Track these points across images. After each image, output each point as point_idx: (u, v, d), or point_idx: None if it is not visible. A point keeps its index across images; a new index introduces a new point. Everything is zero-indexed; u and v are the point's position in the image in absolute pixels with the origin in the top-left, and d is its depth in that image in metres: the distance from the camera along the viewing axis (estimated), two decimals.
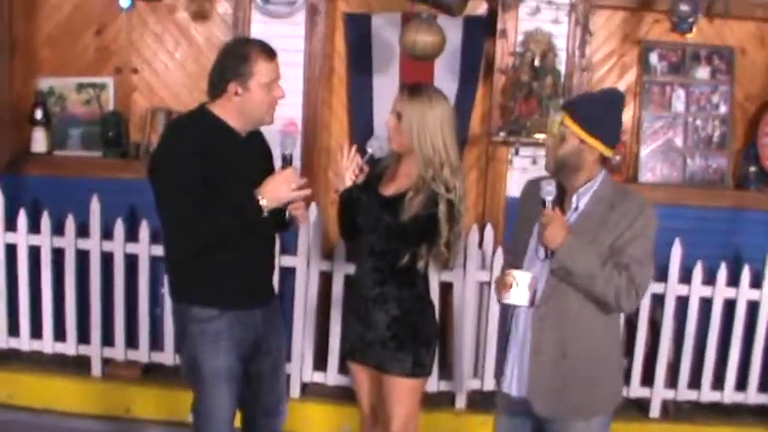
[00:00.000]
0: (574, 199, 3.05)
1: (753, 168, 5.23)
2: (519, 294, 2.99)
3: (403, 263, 3.44)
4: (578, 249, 2.92)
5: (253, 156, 3.28)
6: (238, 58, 3.14)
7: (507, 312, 3.29)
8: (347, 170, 3.41)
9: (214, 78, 3.19)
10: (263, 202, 3.08)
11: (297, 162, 3.27)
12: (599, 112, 3.01)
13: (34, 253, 5.03)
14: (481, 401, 4.90)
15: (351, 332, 3.66)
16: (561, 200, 3.05)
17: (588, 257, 2.91)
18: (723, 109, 5.29)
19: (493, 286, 4.53)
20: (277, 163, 3.41)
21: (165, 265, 3.42)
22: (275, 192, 3.12)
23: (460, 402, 4.90)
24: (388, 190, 3.51)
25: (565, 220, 2.99)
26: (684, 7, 4.66)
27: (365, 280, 3.54)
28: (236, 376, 3.28)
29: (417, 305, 3.55)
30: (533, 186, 3.20)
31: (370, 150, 3.46)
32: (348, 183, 3.41)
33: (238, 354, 3.26)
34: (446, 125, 3.44)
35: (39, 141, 5.34)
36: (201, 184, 3.06)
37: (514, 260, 3.20)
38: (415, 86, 3.53)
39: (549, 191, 2.96)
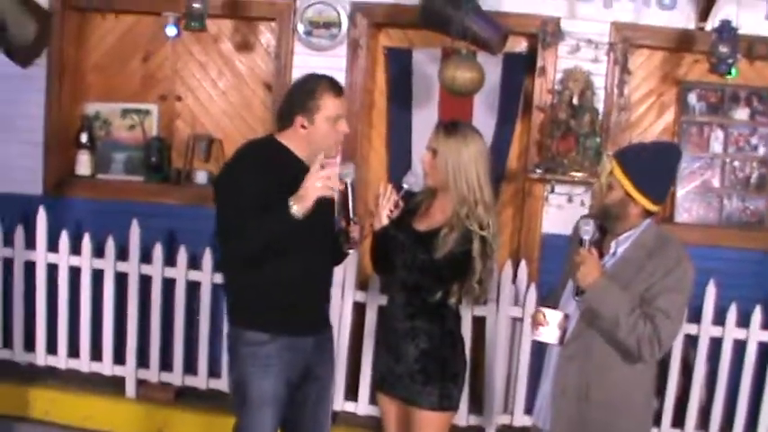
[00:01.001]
0: (613, 245, 3.08)
1: None
2: (549, 332, 3.06)
3: (435, 299, 3.48)
4: (608, 292, 2.93)
5: None
6: (306, 93, 3.26)
7: (541, 348, 3.34)
8: (384, 209, 3.44)
9: (283, 111, 3.33)
10: (293, 209, 3.07)
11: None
12: (649, 167, 3.01)
13: (75, 274, 5.14)
14: None
15: (380, 364, 3.71)
16: (601, 241, 3.08)
17: (617, 302, 2.92)
18: (762, 150, 5.26)
19: (526, 322, 4.61)
20: None
21: (224, 289, 3.50)
22: (302, 193, 3.08)
23: None
24: (422, 225, 3.56)
25: (599, 262, 3.01)
26: (723, 48, 4.65)
27: (396, 313, 3.58)
28: (282, 401, 3.32)
29: (447, 340, 3.57)
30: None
31: (406, 186, 3.51)
32: (384, 221, 3.44)
33: (286, 379, 3.31)
34: (480, 163, 3.49)
35: (83, 164, 5.47)
36: (262, 202, 3.12)
37: (557, 298, 3.26)
38: (451, 124, 3.59)
39: (586, 230, 2.99)
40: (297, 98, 3.28)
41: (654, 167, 3.03)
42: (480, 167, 3.48)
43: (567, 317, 3.08)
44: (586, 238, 2.99)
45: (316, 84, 3.29)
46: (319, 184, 3.06)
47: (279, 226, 3.11)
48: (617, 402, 3.07)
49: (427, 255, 3.43)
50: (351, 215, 3.29)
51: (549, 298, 3.52)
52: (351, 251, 3.49)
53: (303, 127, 3.25)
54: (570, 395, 3.07)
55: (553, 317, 3.07)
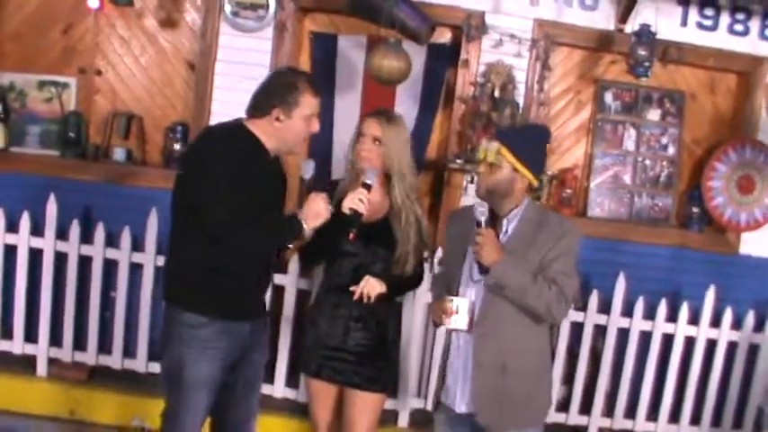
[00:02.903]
0: (504, 223, 3.25)
1: (696, 209, 5.43)
2: (459, 320, 3.18)
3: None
4: (511, 265, 3.10)
5: (276, 176, 3.42)
6: (287, 86, 3.25)
7: (445, 338, 3.45)
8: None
9: (259, 99, 3.29)
10: (305, 225, 3.18)
11: None
12: (531, 145, 3.24)
13: None
14: (423, 421, 4.97)
15: (315, 349, 3.74)
16: (493, 224, 3.21)
17: (520, 273, 3.10)
18: (671, 150, 5.49)
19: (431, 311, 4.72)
20: None
21: (165, 266, 3.46)
22: (313, 215, 3.20)
23: (403, 421, 5.00)
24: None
25: (497, 240, 3.16)
26: (642, 51, 4.83)
27: (340, 299, 3.68)
28: (215, 385, 3.32)
29: (391, 323, 3.81)
30: (457, 215, 3.55)
31: (369, 181, 3.45)
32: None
33: (222, 363, 3.31)
34: (410, 150, 3.71)
35: None
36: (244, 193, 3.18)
37: (448, 285, 3.37)
38: (386, 111, 3.72)
39: (482, 212, 3.13)
40: (276, 90, 3.28)
41: (534, 145, 3.28)
42: (410, 155, 3.70)
43: (472, 302, 3.21)
44: (482, 218, 3.13)
45: (297, 79, 3.30)
46: (323, 209, 3.20)
47: (287, 237, 3.24)
48: (533, 370, 3.27)
49: (384, 247, 3.62)
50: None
51: (436, 284, 3.66)
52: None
53: (278, 120, 3.25)
54: (488, 369, 3.20)
55: (462, 304, 3.19)
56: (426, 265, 3.93)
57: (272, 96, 3.26)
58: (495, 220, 3.22)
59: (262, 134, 3.28)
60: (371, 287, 3.55)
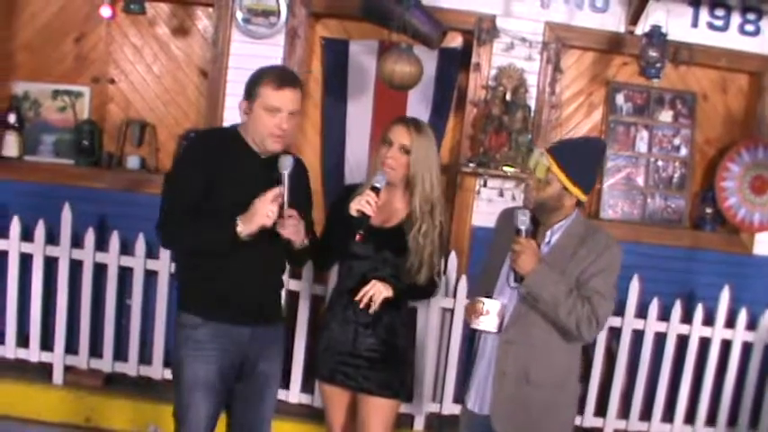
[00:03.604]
0: (548, 234, 3.22)
1: (709, 210, 5.43)
2: (489, 321, 3.19)
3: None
4: (547, 277, 3.07)
5: (263, 180, 3.19)
6: (252, 79, 3.27)
7: (474, 335, 3.46)
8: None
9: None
10: (239, 228, 3.12)
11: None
12: (582, 162, 3.17)
13: (1, 258, 5.04)
14: (438, 425, 4.99)
15: (328, 354, 3.73)
16: (535, 231, 3.20)
17: (556, 286, 3.06)
18: (684, 151, 5.49)
19: (458, 312, 4.71)
20: None
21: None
22: (250, 216, 3.13)
23: (419, 424, 5.00)
24: (378, 220, 3.61)
25: (537, 250, 3.13)
26: (653, 53, 4.84)
27: (354, 304, 3.64)
28: (215, 389, 3.31)
29: (403, 330, 3.77)
30: (508, 216, 3.38)
31: (378, 185, 3.46)
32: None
33: (220, 367, 3.30)
34: (439, 161, 3.71)
35: (11, 146, 5.34)
36: (200, 192, 3.17)
37: (487, 286, 3.34)
38: (415, 121, 3.68)
39: (523, 220, 3.12)
40: (247, 84, 3.30)
41: (586, 162, 3.20)
42: (439, 168, 3.69)
43: (504, 306, 3.20)
44: (523, 228, 3.12)
45: (262, 72, 3.29)
46: (266, 211, 3.10)
47: (220, 238, 3.16)
48: (555, 382, 3.23)
49: (394, 252, 3.59)
50: (283, 207, 3.18)
51: (476, 287, 3.62)
52: (301, 244, 3.33)
53: (246, 113, 3.28)
54: (511, 377, 3.19)
55: (493, 306, 3.19)
56: (440, 277, 3.88)
57: (244, 94, 3.30)
58: (536, 227, 3.20)
59: (246, 135, 3.30)
60: (377, 291, 3.53)
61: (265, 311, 3.46)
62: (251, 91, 3.25)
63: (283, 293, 3.71)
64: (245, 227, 3.12)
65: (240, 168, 3.26)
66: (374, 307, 3.54)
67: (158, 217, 3.27)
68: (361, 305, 3.55)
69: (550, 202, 3.17)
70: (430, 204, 3.61)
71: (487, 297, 3.24)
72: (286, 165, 3.18)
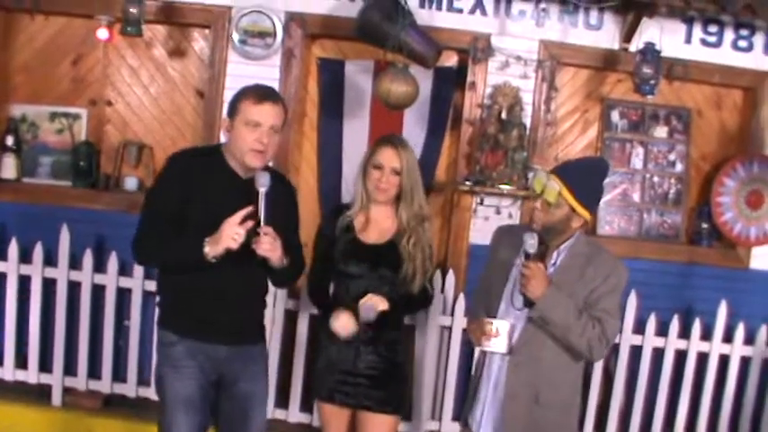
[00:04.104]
0: (554, 255, 3.23)
1: (705, 225, 5.44)
2: (499, 343, 3.18)
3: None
4: (558, 301, 3.09)
5: (243, 201, 3.18)
6: (234, 97, 3.32)
7: (478, 356, 3.49)
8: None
9: None
10: (206, 249, 3.12)
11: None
12: (591, 184, 3.20)
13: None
14: None
15: (327, 373, 3.75)
16: (543, 254, 3.21)
17: (566, 309, 3.08)
18: (679, 167, 5.51)
19: (455, 330, 4.71)
20: None
21: None
22: (216, 238, 3.12)
23: None
24: (371, 238, 3.69)
25: (546, 273, 3.14)
26: (647, 70, 4.87)
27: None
28: (195, 405, 3.31)
29: (401, 346, 3.82)
30: (504, 233, 3.45)
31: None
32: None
33: (200, 383, 3.31)
34: (418, 170, 3.76)
35: (8, 168, 5.34)
36: (176, 211, 3.20)
37: (488, 305, 3.35)
38: (397, 138, 3.76)
39: (532, 244, 3.11)
40: (228, 105, 3.35)
41: (593, 183, 3.22)
42: (419, 174, 3.75)
43: (513, 326, 3.20)
44: (531, 251, 3.11)
45: (244, 89, 3.34)
46: (236, 236, 3.09)
47: (188, 259, 3.19)
48: (564, 402, 3.26)
49: (391, 268, 3.63)
50: (259, 224, 3.16)
51: (475, 306, 3.61)
52: (279, 263, 3.29)
53: (227, 132, 3.30)
54: (521, 400, 3.20)
55: (502, 327, 3.19)
56: (433, 285, 3.91)
57: (226, 113, 3.34)
58: (543, 250, 3.21)
59: (228, 155, 3.32)
60: (374, 303, 3.55)
61: (244, 331, 3.45)
62: (232, 108, 3.29)
63: (267, 313, 3.67)
64: (212, 248, 3.12)
65: (218, 188, 3.27)
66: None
67: (135, 233, 3.31)
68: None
69: (559, 226, 3.17)
70: (419, 212, 3.69)
71: (490, 317, 3.25)
72: (262, 182, 3.17)
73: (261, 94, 3.28)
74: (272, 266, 3.28)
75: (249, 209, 3.13)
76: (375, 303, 3.54)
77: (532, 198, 3.27)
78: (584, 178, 3.18)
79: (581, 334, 3.08)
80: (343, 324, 3.57)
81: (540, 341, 3.17)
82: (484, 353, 3.34)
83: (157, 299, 3.48)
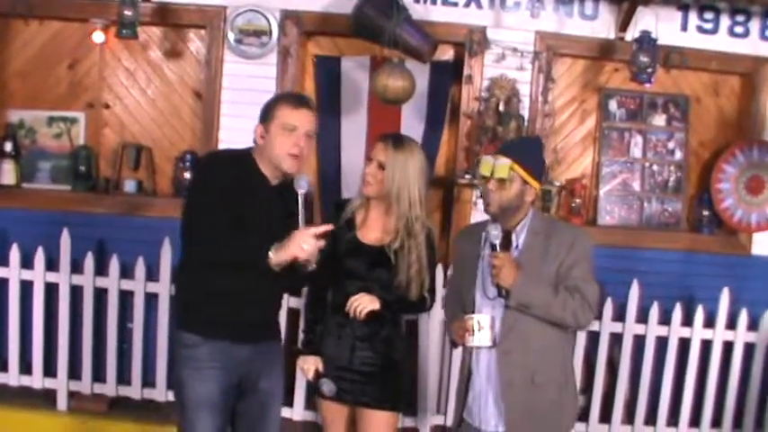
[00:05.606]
0: (513, 237, 3.27)
1: (706, 213, 5.44)
2: (483, 336, 3.19)
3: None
4: (531, 284, 3.13)
5: (275, 208, 3.28)
6: (267, 104, 3.32)
7: (462, 356, 3.48)
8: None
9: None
10: (271, 254, 3.10)
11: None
12: (534, 156, 3.31)
13: (2, 285, 5.05)
14: None
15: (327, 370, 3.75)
16: (507, 243, 3.23)
17: (541, 289, 3.14)
18: (678, 155, 5.51)
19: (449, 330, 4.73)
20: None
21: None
22: (286, 248, 3.10)
23: None
24: (368, 238, 3.68)
25: (514, 261, 3.16)
26: (644, 58, 4.86)
27: (351, 320, 3.65)
28: (218, 407, 3.30)
29: (402, 344, 3.82)
30: (465, 233, 3.60)
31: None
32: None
33: (222, 385, 3.30)
34: (423, 179, 3.65)
35: (7, 174, 5.34)
36: (224, 222, 3.17)
37: (462, 305, 3.38)
38: (397, 137, 3.72)
39: (496, 235, 3.15)
40: (261, 112, 3.33)
41: (536, 154, 3.36)
42: (422, 183, 3.64)
43: (493, 318, 3.21)
44: (497, 242, 3.15)
45: (279, 96, 3.39)
46: (306, 246, 3.07)
47: (248, 259, 3.17)
48: (559, 380, 3.30)
49: (385, 270, 3.61)
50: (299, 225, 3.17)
51: (449, 311, 3.61)
52: (309, 268, 3.21)
53: (262, 137, 3.28)
54: (518, 385, 3.22)
55: (484, 320, 3.20)
56: (433, 295, 3.87)
57: (259, 119, 3.32)
58: (507, 239, 3.24)
59: (259, 160, 3.31)
60: (364, 302, 3.55)
61: (265, 330, 3.48)
62: (267, 113, 3.28)
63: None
64: (277, 255, 3.10)
65: (250, 192, 3.27)
66: (360, 317, 3.55)
67: (182, 253, 3.30)
68: (350, 315, 3.57)
69: (514, 202, 3.21)
70: (410, 221, 3.61)
71: (468, 313, 3.26)
72: (302, 184, 3.20)
73: (297, 99, 3.34)
74: (304, 269, 3.21)
75: (328, 226, 3.20)
76: (365, 302, 3.54)
77: (482, 184, 3.27)
78: (527, 151, 3.30)
79: (563, 308, 3.13)
80: (308, 367, 3.69)
81: (524, 326, 3.19)
82: (469, 351, 3.35)
83: (179, 301, 3.47)
